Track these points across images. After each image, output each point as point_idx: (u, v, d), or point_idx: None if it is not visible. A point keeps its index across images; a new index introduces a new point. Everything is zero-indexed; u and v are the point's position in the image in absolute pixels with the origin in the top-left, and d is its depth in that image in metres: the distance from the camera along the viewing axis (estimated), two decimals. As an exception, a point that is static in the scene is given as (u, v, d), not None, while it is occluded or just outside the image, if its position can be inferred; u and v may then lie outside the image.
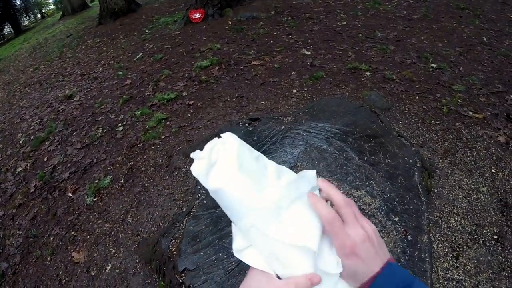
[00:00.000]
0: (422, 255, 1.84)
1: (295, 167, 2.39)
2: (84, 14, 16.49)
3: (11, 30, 24.90)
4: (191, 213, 2.35)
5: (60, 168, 4.36)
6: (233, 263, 1.89)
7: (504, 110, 4.05)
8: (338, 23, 7.07)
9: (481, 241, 2.71)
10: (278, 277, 0.68)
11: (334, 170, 2.33)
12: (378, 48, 5.74)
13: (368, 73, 4.98)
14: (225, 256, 1.95)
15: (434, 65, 5.08)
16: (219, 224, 2.15)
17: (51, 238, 3.47)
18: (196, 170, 0.72)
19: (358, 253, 0.66)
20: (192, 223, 2.24)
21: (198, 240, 2.11)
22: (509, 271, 2.53)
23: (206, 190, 0.99)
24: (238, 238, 0.74)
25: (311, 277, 0.65)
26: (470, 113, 4.01)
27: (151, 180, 3.71)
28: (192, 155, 0.74)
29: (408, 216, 2.03)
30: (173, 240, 2.30)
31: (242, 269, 1.81)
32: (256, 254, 0.71)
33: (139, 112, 4.94)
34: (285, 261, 0.67)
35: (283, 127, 2.84)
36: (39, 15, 26.18)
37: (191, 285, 1.89)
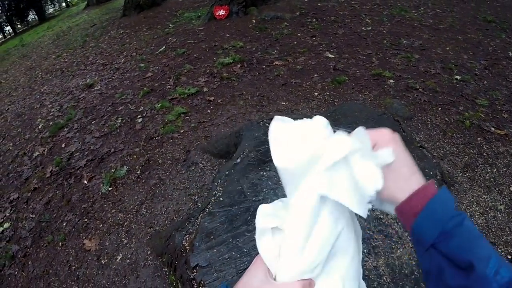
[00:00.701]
0: None
1: (314, 171, 2.35)
2: (109, 5, 16.63)
3: (36, 17, 25.27)
4: (207, 209, 2.33)
5: (77, 155, 4.39)
6: (246, 262, 1.87)
7: None
8: (363, 28, 7.02)
9: None
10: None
11: (353, 177, 2.29)
12: (403, 56, 5.69)
13: (391, 81, 4.94)
14: (238, 255, 1.93)
15: (458, 77, 5.02)
16: (234, 222, 2.12)
17: (64, 224, 3.48)
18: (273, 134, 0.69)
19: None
20: (207, 220, 2.22)
21: (212, 237, 2.09)
22: None
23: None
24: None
25: (308, 282, 0.66)
26: (492, 128, 3.95)
27: (167, 174, 3.71)
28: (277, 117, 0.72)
29: None
30: (187, 235, 2.28)
31: None
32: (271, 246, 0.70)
33: (159, 105, 4.95)
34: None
35: (303, 129, 2.80)
36: (63, 4, 26.53)
37: (202, 282, 1.87)
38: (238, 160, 2.65)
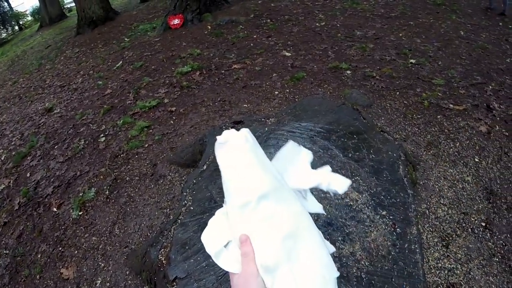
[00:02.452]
0: (412, 247, 1.84)
1: (281, 168, 2.37)
2: (62, 25, 16.24)
3: (-12, 44, 24.39)
4: (178, 220, 2.32)
5: (44, 183, 4.26)
6: None
7: (484, 101, 4.13)
8: (317, 24, 7.12)
9: (469, 229, 2.75)
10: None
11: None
12: (357, 46, 5.80)
13: (348, 72, 5.02)
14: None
15: (413, 61, 5.16)
16: (207, 231, 2.12)
17: (39, 256, 3.38)
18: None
19: None
20: (180, 231, 2.21)
21: (187, 247, 2.07)
22: (500, 257, 2.56)
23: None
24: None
25: None
26: (451, 105, 4.08)
27: (137, 190, 3.66)
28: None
29: (395, 209, 2.03)
30: (162, 249, 2.26)
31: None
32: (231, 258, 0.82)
33: (121, 122, 4.88)
34: None
35: (266, 128, 2.82)
36: (16, 27, 25.72)
37: (183, 293, 1.86)
38: (205, 167, 2.64)
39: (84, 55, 9.21)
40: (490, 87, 4.44)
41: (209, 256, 2.05)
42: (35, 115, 6.40)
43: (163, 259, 2.20)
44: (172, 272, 1.99)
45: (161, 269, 2.17)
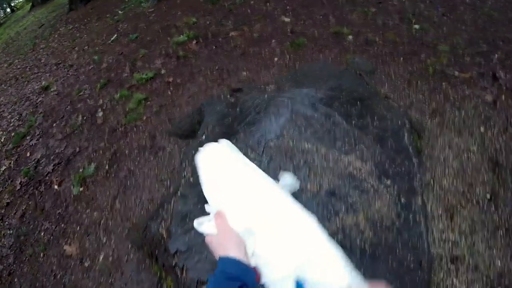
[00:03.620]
0: (417, 218, 1.77)
1: (282, 136, 2.28)
2: (54, 2, 15.91)
3: (-19, 28, 24.03)
4: (178, 193, 2.25)
5: (44, 161, 4.25)
6: None
7: (490, 70, 4.00)
8: (317, -12, 6.89)
9: (474, 201, 2.68)
10: None
11: (321, 137, 2.23)
12: (359, 11, 5.62)
13: (350, 37, 4.87)
14: None
15: (417, 26, 4.99)
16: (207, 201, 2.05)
17: (42, 234, 3.39)
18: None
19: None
20: (180, 203, 2.14)
21: (187, 220, 2.01)
22: (504, 230, 2.51)
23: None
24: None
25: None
26: (456, 72, 3.97)
27: (136, 163, 3.61)
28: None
29: (400, 179, 1.96)
30: (162, 223, 2.20)
31: None
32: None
33: (118, 95, 4.79)
34: None
35: (266, 96, 2.73)
36: (8, 10, 25.30)
37: (185, 266, 1.81)
38: (203, 137, 2.56)
39: (78, 31, 9.02)
40: (496, 55, 4.27)
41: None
42: (32, 94, 6.34)
43: (163, 232, 2.14)
44: (173, 245, 1.94)
45: (162, 243, 2.11)
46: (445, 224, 2.51)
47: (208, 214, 1.15)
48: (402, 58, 4.28)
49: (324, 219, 1.77)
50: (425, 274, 1.56)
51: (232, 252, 0.98)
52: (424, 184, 2.74)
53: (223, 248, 1.01)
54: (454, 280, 2.23)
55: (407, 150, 2.14)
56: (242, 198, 1.08)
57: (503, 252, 2.39)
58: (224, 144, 1.22)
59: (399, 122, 2.34)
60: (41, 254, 3.21)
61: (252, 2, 6.68)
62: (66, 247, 3.13)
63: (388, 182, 1.94)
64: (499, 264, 2.34)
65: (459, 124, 3.33)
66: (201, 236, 1.87)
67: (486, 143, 3.14)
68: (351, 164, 2.03)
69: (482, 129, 3.27)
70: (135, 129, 4.09)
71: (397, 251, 1.65)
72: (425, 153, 3.01)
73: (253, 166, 1.16)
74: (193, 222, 2.01)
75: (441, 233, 2.46)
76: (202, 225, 1.12)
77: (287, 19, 5.70)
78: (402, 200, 1.86)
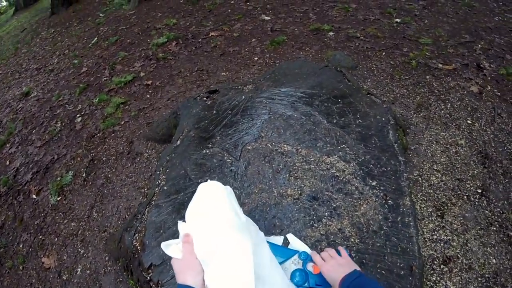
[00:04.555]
0: (406, 220, 1.70)
1: (260, 138, 2.21)
2: (37, 6, 15.69)
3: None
4: (152, 202, 2.17)
5: (23, 169, 4.11)
6: None
7: (474, 60, 3.98)
8: (297, -15, 6.84)
9: (465, 197, 2.62)
10: None
11: (302, 137, 2.16)
12: (340, 7, 5.59)
13: (331, 33, 4.83)
14: None
15: (398, 20, 4.97)
16: (182, 211, 1.96)
17: (21, 246, 3.29)
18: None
19: (330, 269, 1.28)
20: (154, 213, 2.05)
21: (161, 231, 1.92)
22: (497, 226, 2.44)
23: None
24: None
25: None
26: (440, 65, 3.93)
27: (113, 170, 3.51)
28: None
29: (386, 179, 1.88)
30: (136, 234, 2.11)
31: None
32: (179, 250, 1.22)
33: (97, 100, 4.67)
34: None
35: (243, 96, 2.65)
36: (-8, 15, 24.97)
37: (160, 282, 1.73)
38: (178, 142, 2.47)
39: (59, 35, 8.86)
40: (479, 45, 4.26)
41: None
42: (12, 100, 6.17)
43: (137, 244, 2.05)
44: (147, 258, 1.85)
45: (136, 255, 2.03)
46: (436, 223, 2.45)
47: (178, 233, 1.28)
48: (384, 53, 4.24)
49: (307, 226, 1.70)
50: (417, 280, 1.49)
51: (190, 280, 1.10)
52: (412, 182, 2.67)
53: (182, 275, 1.13)
54: (448, 282, 2.16)
55: (393, 148, 2.06)
56: (212, 232, 1.18)
57: (497, 249, 2.33)
58: (228, 190, 1.34)
59: (383, 118, 2.27)
60: (20, 267, 3.11)
61: (232, 1, 6.64)
62: (44, 259, 3.04)
63: (374, 183, 1.87)
64: (494, 261, 2.28)
65: (445, 117, 3.28)
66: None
67: (474, 135, 3.10)
68: (334, 166, 1.95)
69: (469, 121, 3.23)
70: (113, 134, 3.98)
71: (386, 257, 1.57)
72: (411, 149, 2.95)
73: (241, 216, 1.29)
74: (166, 233, 1.96)
75: (432, 233, 2.40)
76: (170, 247, 1.23)
77: (267, 17, 5.64)
78: (389, 201, 1.78)
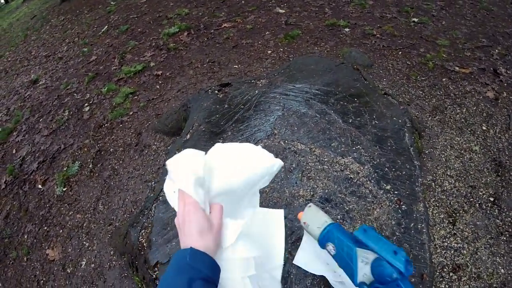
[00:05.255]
0: (419, 226, 1.62)
1: (273, 135, 2.13)
2: (48, -7, 15.79)
3: (-26, 19, 23.70)
4: (160, 198, 2.09)
5: (29, 159, 4.09)
6: None
7: (491, 65, 3.91)
8: (312, -21, 6.74)
9: (477, 205, 2.57)
10: None
11: (316, 136, 2.08)
12: (356, 3, 5.52)
13: (347, 29, 4.76)
14: None
15: (415, 19, 4.90)
16: (190, 207, 1.89)
17: (25, 236, 3.26)
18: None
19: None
20: (161, 210, 1.97)
21: (168, 228, 1.85)
22: (507, 235, 2.40)
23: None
24: None
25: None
26: (456, 68, 3.86)
27: (121, 162, 3.47)
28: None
29: (401, 183, 1.80)
30: (143, 230, 2.03)
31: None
32: None
33: (106, 89, 4.63)
34: None
35: (257, 91, 2.57)
36: (2, 1, 25.01)
37: (166, 281, 1.65)
38: (188, 137, 2.39)
39: (69, 22, 8.84)
40: (497, 50, 4.19)
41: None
42: (21, 88, 6.15)
43: (143, 241, 1.97)
44: (153, 256, 1.77)
45: (142, 253, 1.95)
46: (447, 230, 2.41)
47: None
48: (400, 52, 4.17)
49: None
50: (427, 288, 1.41)
51: (194, 241, 0.83)
52: (425, 187, 2.63)
53: (184, 235, 0.86)
54: (456, 290, 2.12)
55: (408, 152, 1.98)
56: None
57: (506, 258, 2.29)
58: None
59: (400, 120, 2.18)
60: (25, 258, 3.08)
61: (246, -8, 6.53)
62: (49, 251, 3.01)
63: (388, 187, 1.79)
64: (502, 271, 2.24)
65: (460, 122, 3.23)
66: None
67: (488, 142, 3.03)
68: (348, 167, 1.87)
69: (484, 127, 3.17)
70: (121, 125, 3.94)
71: (398, 264, 1.50)
72: (426, 153, 2.90)
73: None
74: (173, 230, 1.87)
75: (443, 239, 2.36)
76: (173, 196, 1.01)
77: (281, 10, 5.57)
78: (403, 207, 1.70)
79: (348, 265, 1.07)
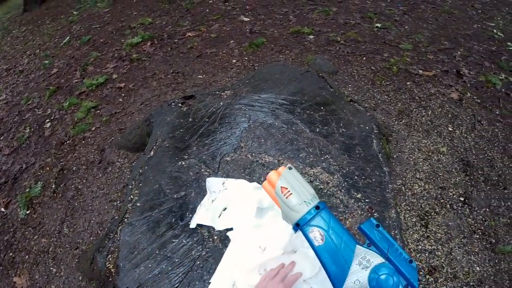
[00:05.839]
0: (392, 233, 1.62)
1: (239, 149, 2.09)
2: (9, 3, 15.27)
3: None
4: (125, 220, 2.02)
5: (-9, 180, 3.91)
6: (180, 274, 1.60)
7: (454, 67, 4.03)
8: (276, -13, 6.78)
9: (448, 205, 2.61)
10: None
11: (283, 148, 2.06)
12: (320, 10, 5.55)
13: (311, 37, 4.79)
14: (169, 268, 1.64)
15: (379, 25, 4.98)
16: (157, 229, 1.82)
17: (-9, 264, 3.10)
18: None
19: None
20: (127, 233, 1.90)
21: (136, 252, 1.78)
22: (480, 233, 2.45)
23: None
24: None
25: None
26: (420, 71, 3.95)
27: (84, 181, 3.33)
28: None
29: (371, 191, 1.80)
30: (109, 255, 1.95)
31: (191, 280, 1.52)
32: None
33: (67, 103, 4.45)
34: None
35: (222, 103, 2.53)
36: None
37: (138, 308, 1.60)
38: (151, 153, 2.32)
39: (31, 33, 8.56)
40: (459, 52, 4.32)
41: (161, 263, 1.78)
42: (-19, 105, 5.93)
43: (111, 266, 1.90)
44: (122, 283, 1.70)
45: (110, 279, 1.87)
46: (420, 233, 2.44)
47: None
48: (364, 58, 4.22)
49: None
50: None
51: None
52: (395, 192, 2.65)
53: None
54: (433, 293, 2.14)
55: (377, 158, 1.99)
56: None
57: (481, 256, 2.34)
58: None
59: (367, 127, 2.19)
60: (-9, 287, 2.93)
61: (210, 1, 6.52)
62: (16, 279, 2.85)
63: (359, 195, 1.78)
64: (478, 269, 2.29)
65: (426, 124, 3.29)
66: (152, 272, 1.68)
67: (455, 142, 3.11)
68: (317, 178, 1.86)
69: (450, 128, 3.24)
70: (83, 141, 3.80)
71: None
72: (394, 158, 2.93)
73: None
74: (141, 254, 1.81)
75: (416, 243, 2.38)
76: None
77: (246, 19, 5.55)
78: (375, 214, 1.70)
79: (336, 263, 0.86)
